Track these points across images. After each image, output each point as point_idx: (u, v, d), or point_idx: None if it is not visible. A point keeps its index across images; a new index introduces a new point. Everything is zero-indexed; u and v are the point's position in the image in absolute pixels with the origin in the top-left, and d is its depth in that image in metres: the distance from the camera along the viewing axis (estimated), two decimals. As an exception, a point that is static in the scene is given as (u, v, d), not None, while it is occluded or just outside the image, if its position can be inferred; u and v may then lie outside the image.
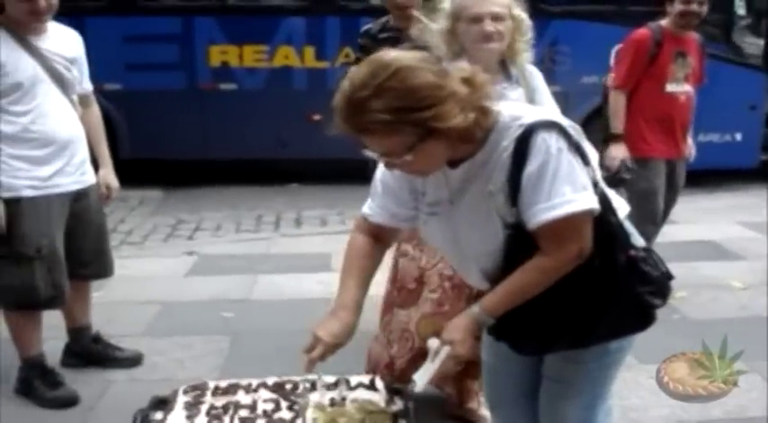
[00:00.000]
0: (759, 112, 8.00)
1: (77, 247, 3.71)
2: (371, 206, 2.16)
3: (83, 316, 4.01)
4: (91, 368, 3.96)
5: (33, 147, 3.47)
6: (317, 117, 7.21)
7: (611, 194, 2.03)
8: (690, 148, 4.85)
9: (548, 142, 1.84)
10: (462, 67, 1.91)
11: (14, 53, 3.40)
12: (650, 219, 4.64)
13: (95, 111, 3.92)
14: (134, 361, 4.04)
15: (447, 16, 3.00)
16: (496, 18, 2.91)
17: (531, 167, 1.84)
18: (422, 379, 2.02)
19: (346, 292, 2.09)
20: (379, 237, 2.17)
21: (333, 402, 2.13)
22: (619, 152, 4.52)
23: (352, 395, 2.17)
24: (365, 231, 2.18)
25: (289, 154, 7.96)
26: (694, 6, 4.54)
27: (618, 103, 4.59)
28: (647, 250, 2.04)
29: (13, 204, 3.44)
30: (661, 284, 2.02)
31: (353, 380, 2.26)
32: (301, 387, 2.21)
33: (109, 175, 3.92)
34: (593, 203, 1.86)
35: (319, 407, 2.11)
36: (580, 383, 2.15)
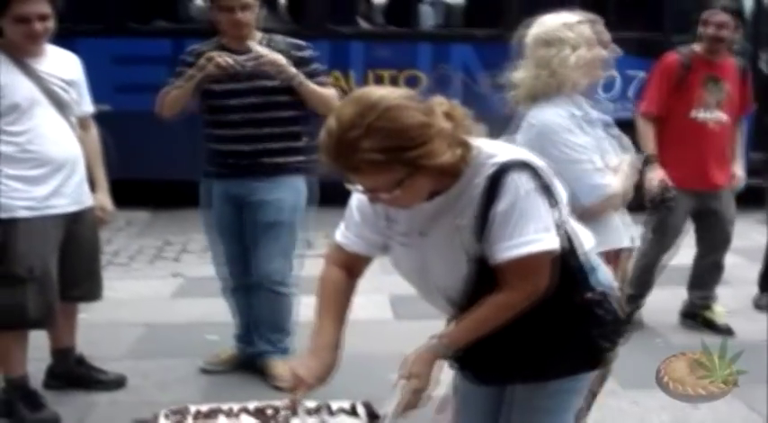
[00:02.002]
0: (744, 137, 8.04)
1: (70, 268, 3.72)
2: (347, 235, 2.18)
3: (68, 337, 4.00)
4: (73, 390, 3.95)
5: (30, 167, 3.49)
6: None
7: (576, 233, 2.08)
8: (736, 177, 4.69)
9: (518, 182, 1.88)
10: (441, 101, 1.95)
11: (12, 75, 3.43)
12: (662, 247, 4.58)
13: (94, 133, 3.95)
14: (117, 384, 4.03)
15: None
16: None
17: (499, 206, 1.89)
18: (389, 411, 2.02)
19: (325, 332, 2.13)
20: (352, 268, 2.20)
21: (314, 428, 2.13)
22: (655, 174, 4.37)
23: (332, 421, 2.17)
24: (339, 263, 2.20)
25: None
26: (725, 32, 4.40)
27: (645, 128, 4.47)
28: (605, 294, 2.06)
29: (9, 225, 3.46)
30: (614, 328, 2.06)
31: (335, 405, 2.25)
32: (282, 413, 2.20)
33: (104, 198, 3.93)
34: (553, 245, 1.92)
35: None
36: (539, 415, 2.17)
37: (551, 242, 1.91)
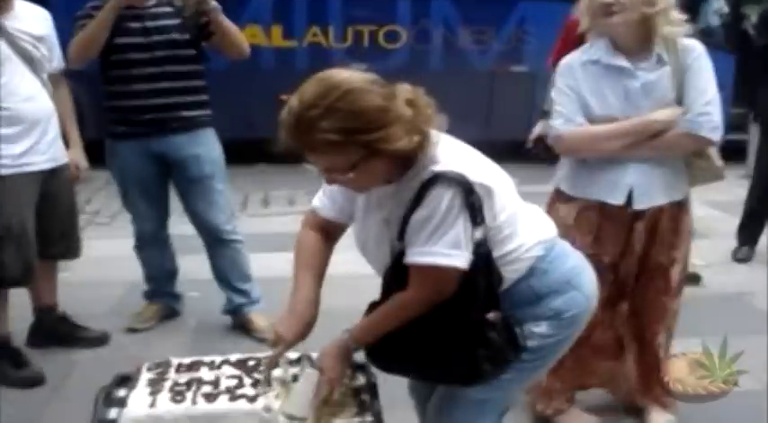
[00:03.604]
0: (726, 93, 8.07)
1: (47, 226, 3.70)
2: (322, 200, 2.25)
3: (49, 296, 4.01)
4: (56, 348, 3.97)
5: (3, 125, 3.45)
6: (284, 97, 7.14)
7: (516, 258, 2.10)
8: None
9: (441, 197, 1.92)
10: (406, 88, 1.97)
11: None
12: None
13: (66, 90, 3.90)
14: (100, 340, 4.06)
15: None
16: None
17: (419, 214, 1.95)
18: (297, 406, 2.05)
19: (303, 288, 2.18)
20: (327, 232, 2.26)
21: (295, 378, 2.15)
22: (537, 128, 4.36)
23: (313, 370, 2.18)
24: (314, 227, 2.26)
25: (256, 134, 7.92)
26: None
27: (550, 83, 4.46)
28: (507, 319, 2.08)
29: None
30: (501, 353, 2.08)
31: (315, 356, 2.28)
32: (264, 363, 2.22)
33: (78, 155, 3.92)
34: (459, 263, 1.96)
35: (282, 382, 2.14)
36: (435, 411, 2.31)
37: (457, 260, 1.96)
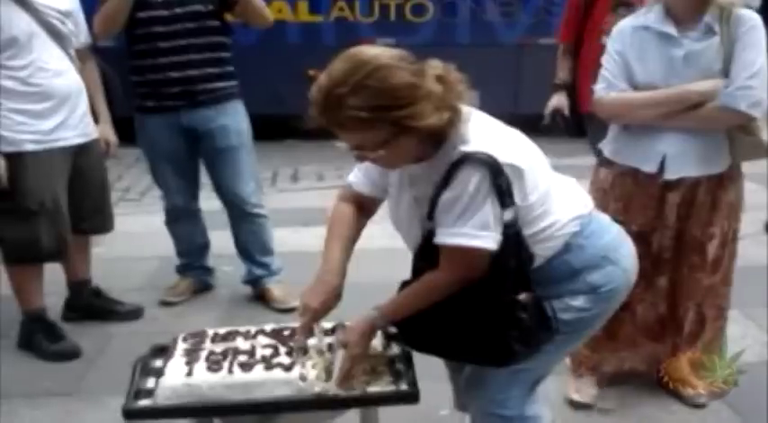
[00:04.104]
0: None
1: (79, 201, 3.74)
2: (357, 175, 2.27)
3: (83, 270, 4.05)
4: (91, 322, 4.01)
5: (33, 101, 3.48)
6: (311, 72, 7.14)
7: (547, 237, 2.08)
8: None
9: (469, 178, 1.92)
10: (436, 64, 1.95)
11: (8, 8, 3.39)
12: None
13: (93, 65, 3.92)
14: (134, 314, 4.10)
15: None
16: None
17: (447, 195, 1.95)
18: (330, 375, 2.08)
19: (332, 258, 2.20)
20: (361, 206, 2.28)
21: (330, 347, 2.16)
22: (552, 101, 4.38)
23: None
24: (348, 200, 2.28)
25: (285, 109, 7.92)
26: None
27: (560, 57, 4.41)
28: (538, 300, 2.07)
29: (16, 159, 3.46)
30: (532, 334, 2.07)
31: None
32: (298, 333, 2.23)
33: (108, 130, 3.94)
34: (487, 244, 1.96)
35: (317, 351, 2.15)
36: (468, 384, 2.35)
37: (486, 241, 1.95)
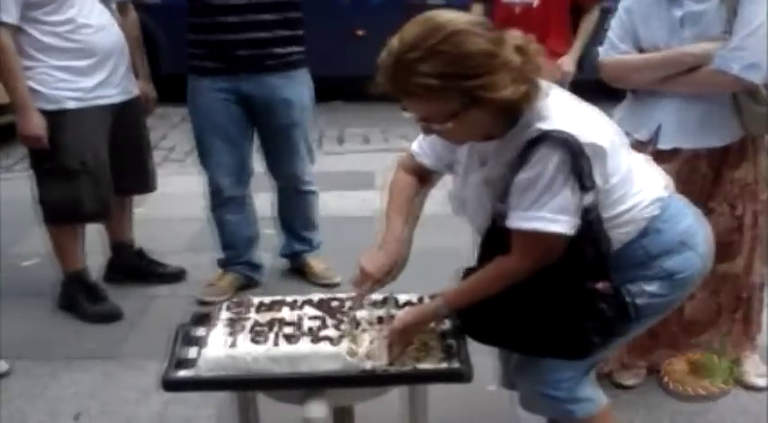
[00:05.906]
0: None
1: (120, 159, 3.66)
2: (422, 145, 2.15)
3: (125, 231, 4.00)
4: (133, 283, 3.97)
5: (75, 57, 3.39)
6: (360, 32, 7.03)
7: (627, 221, 1.97)
8: (559, 70, 3.67)
9: (548, 159, 1.79)
10: (516, 34, 1.82)
11: None
12: None
13: (133, 18, 3.83)
14: (177, 276, 4.05)
15: None
16: None
17: (524, 175, 1.82)
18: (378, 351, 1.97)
19: (394, 227, 2.11)
20: (422, 177, 2.18)
21: (380, 320, 2.06)
22: None
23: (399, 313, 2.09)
24: (410, 170, 2.18)
25: (331, 71, 7.82)
26: None
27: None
28: (617, 289, 1.96)
29: (57, 116, 3.38)
30: (610, 325, 1.97)
31: (402, 298, 2.19)
32: (348, 305, 2.13)
33: (148, 86, 3.86)
34: (565, 229, 1.84)
35: (369, 323, 2.05)
36: (522, 374, 2.23)
37: (563, 226, 1.83)
